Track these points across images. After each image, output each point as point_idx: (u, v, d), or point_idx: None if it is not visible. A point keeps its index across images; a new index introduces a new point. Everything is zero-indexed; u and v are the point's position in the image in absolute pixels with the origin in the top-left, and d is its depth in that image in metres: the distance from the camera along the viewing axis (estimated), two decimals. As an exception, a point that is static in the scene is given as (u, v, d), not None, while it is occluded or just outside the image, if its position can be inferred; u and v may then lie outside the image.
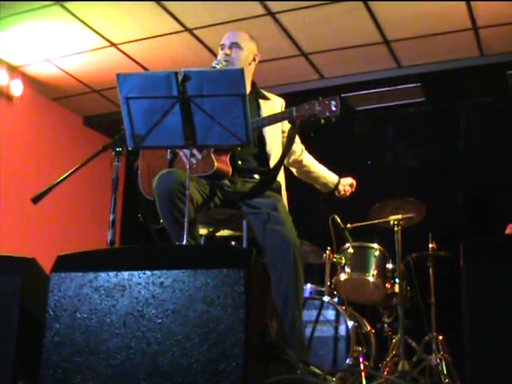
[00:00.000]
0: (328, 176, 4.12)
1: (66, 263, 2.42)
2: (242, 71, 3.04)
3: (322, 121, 3.46)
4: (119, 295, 2.29)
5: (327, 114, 3.42)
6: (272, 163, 3.72)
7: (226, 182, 3.65)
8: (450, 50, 6.55)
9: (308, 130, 3.94)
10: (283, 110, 3.88)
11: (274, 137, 3.81)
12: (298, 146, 4.01)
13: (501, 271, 2.20)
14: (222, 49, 3.85)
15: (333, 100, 3.44)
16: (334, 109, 3.42)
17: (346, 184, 4.14)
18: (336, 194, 4.14)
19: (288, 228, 3.45)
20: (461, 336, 2.20)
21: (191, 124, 3.11)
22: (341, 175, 4.17)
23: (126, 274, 2.29)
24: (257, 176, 3.74)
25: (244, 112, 3.05)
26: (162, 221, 3.54)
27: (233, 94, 3.03)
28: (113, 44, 6.62)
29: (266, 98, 3.92)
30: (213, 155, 3.51)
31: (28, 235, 7.07)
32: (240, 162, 3.69)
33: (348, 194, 4.17)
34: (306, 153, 4.09)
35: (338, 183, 4.10)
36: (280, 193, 3.74)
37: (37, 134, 7.57)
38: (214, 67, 3.66)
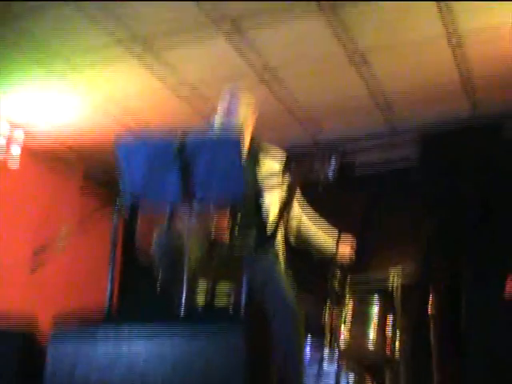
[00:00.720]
0: (326, 240, 4.13)
1: (62, 334, 2.40)
2: (241, 139, 3.11)
3: (321, 179, 3.48)
4: (117, 366, 2.26)
5: (326, 172, 3.46)
6: (270, 220, 3.72)
7: (225, 240, 3.65)
8: (444, 111, 6.65)
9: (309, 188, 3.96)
10: (283, 164, 3.89)
11: (272, 194, 3.81)
12: (297, 209, 4.02)
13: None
14: (221, 102, 3.89)
15: (332, 159, 3.46)
16: (332, 168, 3.44)
17: (345, 247, 4.18)
18: (334, 257, 4.17)
19: (287, 287, 3.44)
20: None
21: (190, 183, 3.13)
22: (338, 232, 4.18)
23: (124, 344, 2.27)
24: (255, 233, 3.73)
25: (242, 170, 3.07)
26: (159, 279, 3.54)
27: (231, 156, 3.05)
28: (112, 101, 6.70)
29: (266, 153, 3.93)
30: (211, 212, 3.53)
31: (28, 294, 7.00)
32: (238, 220, 3.69)
33: (347, 256, 4.21)
34: (305, 217, 4.08)
35: (336, 248, 4.13)
36: (278, 249, 3.74)
37: (37, 195, 7.56)
38: (213, 126, 3.70)
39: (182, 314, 2.71)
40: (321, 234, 4.13)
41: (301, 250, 4.15)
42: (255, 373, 2.22)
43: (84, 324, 2.45)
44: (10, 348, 2.60)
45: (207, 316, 2.37)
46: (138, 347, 2.26)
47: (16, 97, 6.53)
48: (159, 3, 5.28)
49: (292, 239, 4.12)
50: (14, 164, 7.04)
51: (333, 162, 3.45)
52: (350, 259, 4.22)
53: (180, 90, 6.52)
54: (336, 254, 4.13)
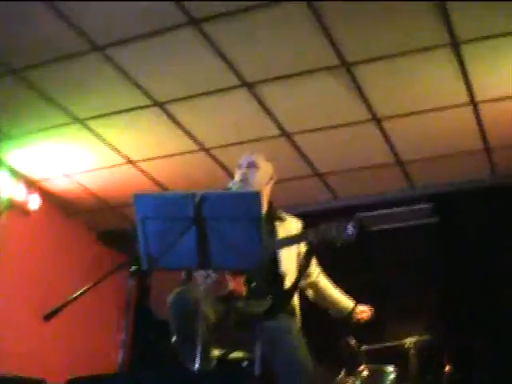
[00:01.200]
0: (343, 301, 4.07)
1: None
2: (258, 195, 3.06)
3: (338, 244, 3.45)
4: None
5: (344, 237, 3.43)
6: (286, 285, 3.69)
7: (240, 303, 3.61)
8: (463, 171, 6.63)
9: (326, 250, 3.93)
10: (299, 231, 3.88)
11: (289, 258, 3.77)
12: (314, 269, 3.98)
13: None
14: (239, 169, 3.89)
15: (349, 224, 3.44)
16: (349, 233, 3.42)
17: (362, 311, 4.08)
18: (350, 320, 4.07)
19: (301, 353, 3.38)
20: None
21: (206, 246, 3.10)
22: (354, 295, 4.13)
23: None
24: (271, 298, 3.70)
25: (259, 236, 3.04)
26: (173, 340, 3.50)
27: (249, 217, 3.03)
28: (130, 161, 6.74)
29: (283, 219, 3.91)
30: (227, 276, 3.50)
31: (37, 352, 6.95)
32: (254, 284, 3.66)
33: (363, 321, 4.09)
34: (322, 276, 4.05)
35: (353, 310, 4.05)
36: (295, 315, 3.69)
37: (51, 248, 7.56)
38: (230, 188, 3.70)
39: (194, 375, 2.66)
40: (338, 293, 4.08)
41: (317, 310, 4.11)
42: None
43: (96, 379, 2.41)
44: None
45: (220, 380, 2.31)
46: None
47: (34, 150, 6.59)
48: (172, 70, 5.41)
49: (310, 295, 4.07)
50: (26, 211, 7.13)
51: (351, 227, 3.42)
52: (367, 323, 4.12)
53: (200, 154, 6.60)
54: (353, 316, 4.05)
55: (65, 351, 7.31)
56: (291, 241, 3.68)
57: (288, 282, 3.69)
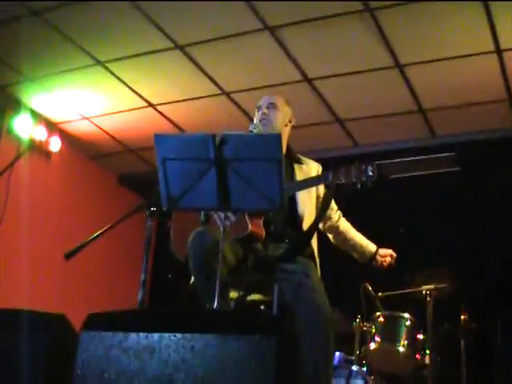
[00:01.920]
0: (366, 245, 4.04)
1: (96, 322, 2.41)
2: (279, 136, 3.04)
3: (359, 185, 3.42)
4: (148, 357, 2.27)
5: (363, 179, 3.39)
6: (304, 227, 3.69)
7: (259, 245, 3.63)
8: (486, 121, 6.55)
9: (346, 197, 3.91)
10: (319, 174, 3.87)
11: (307, 200, 3.77)
12: (334, 212, 3.98)
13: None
14: (258, 110, 3.87)
15: (369, 165, 3.41)
16: (370, 174, 3.38)
17: (386, 255, 4.04)
18: (373, 263, 4.03)
19: (320, 296, 3.39)
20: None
21: (226, 187, 3.10)
22: (373, 242, 4.11)
23: (156, 335, 2.27)
24: (289, 240, 3.71)
25: (279, 177, 3.04)
26: (192, 281, 3.53)
27: (269, 158, 3.02)
28: (151, 104, 6.74)
29: (301, 163, 3.90)
30: (247, 218, 3.51)
31: (59, 291, 7.09)
32: (272, 226, 3.66)
33: (386, 264, 4.05)
34: (343, 219, 4.04)
35: (376, 253, 4.02)
36: (313, 258, 3.70)
37: (72, 191, 7.67)
38: (251, 131, 3.68)
39: (213, 313, 2.68)
40: (360, 236, 4.07)
41: (335, 255, 4.11)
42: (285, 380, 2.19)
43: (117, 314, 2.44)
44: (44, 326, 2.60)
45: (239, 319, 2.34)
46: (169, 339, 2.25)
47: (55, 92, 6.60)
48: (194, 12, 5.35)
49: (331, 239, 4.09)
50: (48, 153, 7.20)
51: (371, 169, 3.39)
52: (390, 267, 4.08)
53: (220, 98, 6.57)
54: (377, 259, 4.03)
55: (86, 289, 7.48)
56: (310, 183, 3.66)
57: (306, 225, 3.69)
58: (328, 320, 3.33)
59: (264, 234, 3.57)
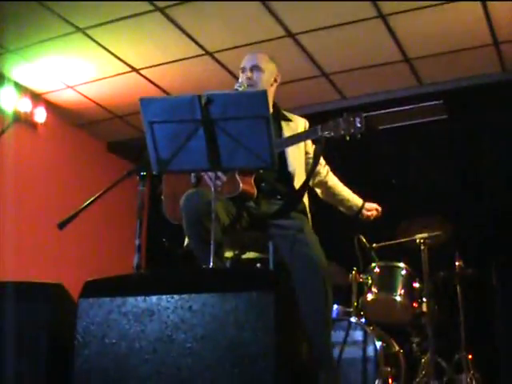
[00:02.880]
0: (352, 199, 4.10)
1: (93, 289, 2.42)
2: (265, 93, 3.03)
3: (347, 137, 3.43)
4: (148, 320, 2.28)
5: (352, 130, 3.40)
6: (296, 183, 3.70)
7: (252, 203, 3.64)
8: (472, 67, 6.53)
9: (336, 150, 3.90)
10: (306, 129, 3.86)
11: (297, 157, 3.78)
12: (323, 167, 4.00)
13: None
14: (242, 72, 3.85)
15: (357, 116, 3.41)
16: (358, 125, 3.39)
17: (371, 209, 4.12)
18: (360, 217, 4.11)
19: (315, 250, 3.42)
20: (491, 354, 2.16)
21: (215, 147, 3.10)
22: (365, 194, 4.15)
23: (154, 298, 2.28)
24: (282, 197, 3.71)
25: (268, 134, 3.04)
26: (186, 243, 3.54)
27: (256, 116, 3.01)
28: (134, 69, 6.68)
29: (288, 119, 3.90)
30: (238, 177, 3.51)
31: (54, 261, 7.10)
32: (264, 184, 3.67)
33: (372, 218, 4.13)
34: (331, 174, 4.07)
35: (362, 207, 4.09)
36: (306, 214, 3.72)
37: (60, 161, 7.64)
38: (237, 90, 3.66)
39: (209, 272, 2.70)
40: (347, 191, 4.12)
41: (327, 209, 4.14)
42: (284, 334, 2.21)
43: (114, 279, 2.45)
44: (42, 297, 2.61)
45: (235, 277, 2.35)
46: (167, 301, 2.27)
47: (37, 63, 6.53)
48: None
49: (319, 193, 4.11)
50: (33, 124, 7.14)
51: (359, 119, 3.39)
52: (376, 219, 4.16)
53: (204, 59, 6.52)
54: (363, 213, 4.10)
55: (81, 257, 7.51)
56: (298, 138, 3.67)
57: (297, 181, 3.70)
58: (325, 273, 3.36)
59: (256, 192, 3.57)
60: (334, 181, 4.07)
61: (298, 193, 3.65)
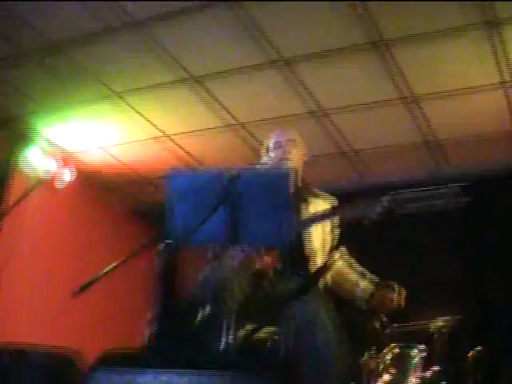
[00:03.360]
0: (363, 282, 3.85)
1: (104, 363, 2.42)
2: (288, 174, 3.07)
3: (366, 222, 3.37)
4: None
5: (372, 215, 3.36)
6: (313, 264, 3.66)
7: (267, 283, 3.63)
8: (495, 156, 6.57)
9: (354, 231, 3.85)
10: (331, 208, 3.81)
11: (316, 237, 3.70)
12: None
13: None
14: (276, 147, 3.81)
15: (378, 202, 3.39)
16: (378, 211, 3.35)
17: (388, 295, 3.83)
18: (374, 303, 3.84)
19: (327, 334, 3.38)
20: None
21: (235, 223, 3.14)
22: (381, 277, 4.01)
23: (164, 377, 2.28)
24: (298, 278, 3.68)
25: (289, 215, 3.07)
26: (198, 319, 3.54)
27: (278, 196, 3.04)
28: (166, 135, 6.79)
29: (316, 196, 3.84)
30: (255, 255, 3.52)
31: (70, 326, 7.04)
32: (281, 264, 3.62)
33: (389, 305, 3.85)
34: (343, 258, 3.92)
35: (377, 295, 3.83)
36: (323, 295, 3.68)
37: (85, 223, 7.65)
38: (266, 164, 3.69)
39: (220, 353, 2.70)
40: (355, 278, 3.88)
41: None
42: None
43: (125, 354, 2.46)
44: (51, 367, 2.62)
45: (246, 360, 2.35)
46: (178, 380, 2.27)
47: (70, 123, 6.67)
48: (208, 45, 5.44)
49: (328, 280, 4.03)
50: (61, 185, 7.16)
51: (379, 203, 3.36)
52: (397, 306, 3.88)
53: (234, 129, 6.62)
54: (373, 301, 3.85)
55: (97, 325, 7.43)
56: (317, 219, 3.61)
57: (314, 262, 3.66)
58: (336, 368, 3.31)
59: (271, 272, 3.57)
60: (344, 264, 3.89)
61: (315, 274, 3.63)
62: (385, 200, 3.42)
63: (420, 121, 6.18)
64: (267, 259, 3.54)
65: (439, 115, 6.08)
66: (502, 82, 5.56)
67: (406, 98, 5.86)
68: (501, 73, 5.43)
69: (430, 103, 5.91)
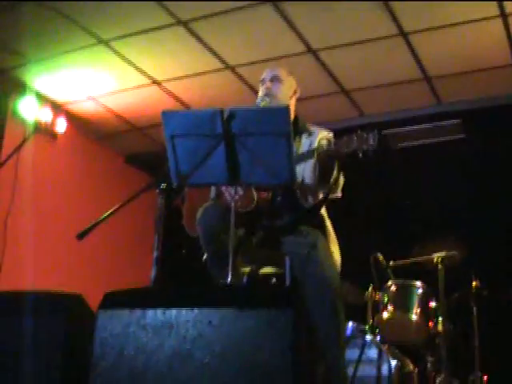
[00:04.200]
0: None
1: (113, 300, 2.42)
2: (287, 109, 3.04)
3: (360, 154, 3.29)
4: (166, 333, 2.28)
5: (365, 147, 3.26)
6: (310, 198, 3.62)
7: (265, 219, 3.64)
8: (491, 87, 6.52)
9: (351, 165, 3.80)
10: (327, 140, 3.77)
11: (311, 172, 3.63)
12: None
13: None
14: (262, 84, 3.84)
15: (371, 133, 3.32)
16: (371, 142, 3.27)
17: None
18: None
19: (326, 269, 3.37)
20: (506, 376, 2.14)
21: (235, 162, 3.12)
22: (380, 214, 4.03)
23: (173, 311, 2.28)
24: (295, 212, 3.67)
25: (288, 151, 3.04)
26: (205, 257, 3.55)
27: (277, 132, 3.02)
28: (155, 82, 6.71)
29: (309, 133, 3.80)
30: (254, 192, 3.51)
31: (72, 272, 7.12)
32: (279, 199, 3.65)
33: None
34: None
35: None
36: (322, 228, 3.69)
37: (79, 172, 7.68)
38: (258, 105, 3.67)
39: (226, 288, 2.70)
40: None
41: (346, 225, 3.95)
42: (302, 354, 2.21)
43: (133, 292, 2.46)
44: (61, 308, 2.62)
45: (254, 293, 2.35)
46: (187, 315, 2.27)
47: (59, 73, 6.59)
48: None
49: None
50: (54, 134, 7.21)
51: (373, 136, 3.32)
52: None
53: (225, 73, 6.56)
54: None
55: (98, 269, 7.53)
56: (311, 154, 3.58)
57: (311, 196, 3.63)
58: (336, 292, 3.33)
59: (270, 208, 3.57)
60: None
61: (312, 207, 3.63)
62: (382, 134, 3.37)
63: (415, 56, 6.09)
64: (264, 195, 3.55)
65: (434, 50, 6.00)
66: (502, 15, 5.48)
67: (403, 33, 5.77)
68: (501, 5, 5.34)
69: (424, 38, 5.83)
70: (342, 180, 3.72)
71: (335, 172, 3.55)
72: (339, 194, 3.74)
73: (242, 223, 3.51)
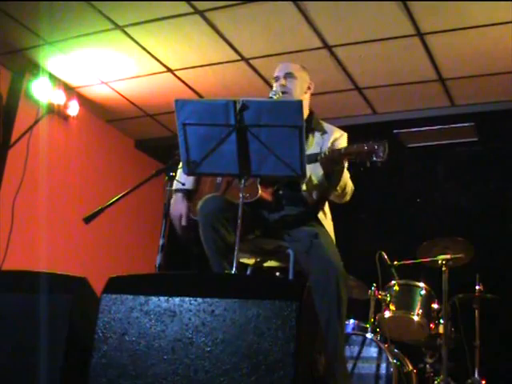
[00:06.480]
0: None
1: (117, 285, 2.44)
2: (300, 103, 3.05)
3: (368, 164, 3.32)
4: (169, 320, 2.30)
5: (374, 159, 3.29)
6: (314, 194, 3.65)
7: (267, 212, 3.66)
8: (506, 91, 6.49)
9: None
10: (334, 143, 3.79)
11: (318, 169, 3.62)
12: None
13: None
14: (276, 80, 3.85)
15: (381, 145, 3.31)
16: (380, 154, 3.28)
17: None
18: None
19: (331, 252, 3.40)
20: (505, 381, 2.15)
21: (246, 153, 3.13)
22: (388, 212, 4.04)
23: (177, 299, 2.30)
24: (298, 206, 3.68)
25: (300, 144, 3.05)
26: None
27: (290, 125, 3.03)
28: (169, 70, 6.71)
29: (323, 131, 3.83)
30: (258, 184, 3.52)
31: (78, 255, 7.15)
32: (281, 193, 3.67)
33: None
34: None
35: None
36: (325, 222, 3.69)
37: (90, 154, 7.70)
38: (271, 97, 3.67)
39: (233, 277, 2.71)
40: None
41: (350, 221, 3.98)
42: (304, 345, 2.22)
43: (138, 277, 2.47)
44: (65, 289, 2.63)
45: (258, 284, 2.36)
46: (190, 303, 2.28)
47: (74, 56, 6.59)
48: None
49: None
50: (66, 116, 7.22)
51: (383, 149, 3.29)
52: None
53: (239, 64, 6.55)
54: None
55: (105, 253, 7.57)
56: (316, 158, 3.52)
57: (315, 191, 3.65)
58: (340, 275, 3.34)
59: (273, 201, 3.58)
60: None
61: (315, 201, 3.64)
62: (387, 145, 3.32)
63: (431, 57, 6.07)
64: (269, 189, 3.56)
65: (450, 52, 5.98)
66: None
67: (419, 33, 5.75)
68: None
69: (440, 39, 5.80)
70: (350, 187, 3.73)
71: (341, 181, 3.55)
72: (347, 198, 3.77)
73: (244, 215, 3.51)
